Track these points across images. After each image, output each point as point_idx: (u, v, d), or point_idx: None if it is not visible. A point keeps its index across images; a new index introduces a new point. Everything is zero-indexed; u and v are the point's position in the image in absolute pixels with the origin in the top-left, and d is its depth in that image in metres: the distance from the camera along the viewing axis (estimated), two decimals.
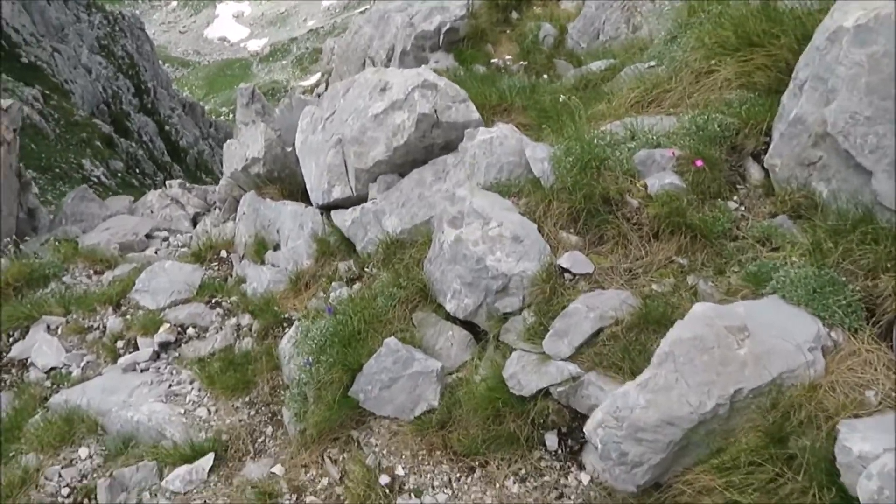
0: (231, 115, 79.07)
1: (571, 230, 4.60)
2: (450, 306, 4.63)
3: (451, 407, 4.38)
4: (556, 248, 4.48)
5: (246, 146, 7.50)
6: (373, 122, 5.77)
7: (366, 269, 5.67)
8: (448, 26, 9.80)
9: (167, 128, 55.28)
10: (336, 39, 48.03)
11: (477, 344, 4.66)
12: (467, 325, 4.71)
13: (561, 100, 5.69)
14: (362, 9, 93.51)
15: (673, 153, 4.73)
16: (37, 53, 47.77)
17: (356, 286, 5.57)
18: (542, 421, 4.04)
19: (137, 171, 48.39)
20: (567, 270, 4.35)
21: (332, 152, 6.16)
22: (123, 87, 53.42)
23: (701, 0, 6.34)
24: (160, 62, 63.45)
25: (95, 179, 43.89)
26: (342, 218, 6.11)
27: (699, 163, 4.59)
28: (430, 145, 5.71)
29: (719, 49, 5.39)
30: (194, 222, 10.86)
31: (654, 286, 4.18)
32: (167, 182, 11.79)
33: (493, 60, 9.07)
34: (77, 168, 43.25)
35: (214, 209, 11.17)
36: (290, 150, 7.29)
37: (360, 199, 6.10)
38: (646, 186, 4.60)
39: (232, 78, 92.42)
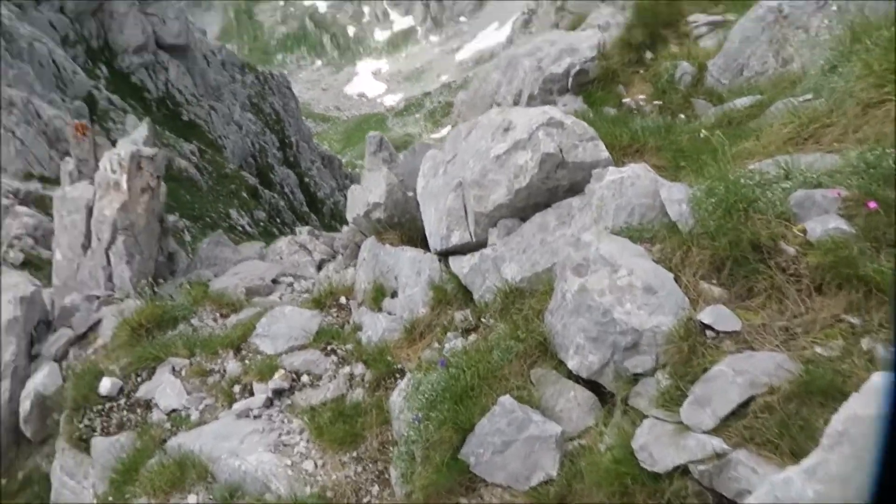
0: None
1: (714, 281, 4.04)
2: (572, 363, 4.17)
3: (572, 479, 3.88)
4: (696, 300, 3.93)
5: (368, 191, 7.48)
6: (494, 163, 5.50)
7: (482, 319, 5.33)
8: (577, 68, 9.49)
9: (307, 180, 58.30)
10: (467, 92, 48.97)
11: (602, 407, 4.15)
12: (591, 385, 4.21)
13: (701, 136, 5.15)
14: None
15: (838, 194, 4.07)
16: (196, 112, 52.28)
17: (472, 337, 5.24)
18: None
19: (278, 220, 51.21)
20: (709, 327, 3.78)
21: (451, 196, 5.94)
22: (269, 142, 57.12)
23: (867, 26, 5.64)
24: (303, 118, 67.56)
25: (240, 228, 46.86)
26: (460, 264, 5.84)
27: (872, 205, 3.90)
28: (555, 187, 5.34)
29: (892, 76, 4.70)
30: (319, 268, 11.05)
31: (817, 349, 3.53)
32: (297, 229, 12.15)
33: (624, 101, 8.62)
34: (225, 217, 46.42)
35: (339, 255, 11.33)
36: (410, 194, 7.18)
37: (479, 245, 5.81)
38: (805, 232, 3.97)
39: (368, 131, 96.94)
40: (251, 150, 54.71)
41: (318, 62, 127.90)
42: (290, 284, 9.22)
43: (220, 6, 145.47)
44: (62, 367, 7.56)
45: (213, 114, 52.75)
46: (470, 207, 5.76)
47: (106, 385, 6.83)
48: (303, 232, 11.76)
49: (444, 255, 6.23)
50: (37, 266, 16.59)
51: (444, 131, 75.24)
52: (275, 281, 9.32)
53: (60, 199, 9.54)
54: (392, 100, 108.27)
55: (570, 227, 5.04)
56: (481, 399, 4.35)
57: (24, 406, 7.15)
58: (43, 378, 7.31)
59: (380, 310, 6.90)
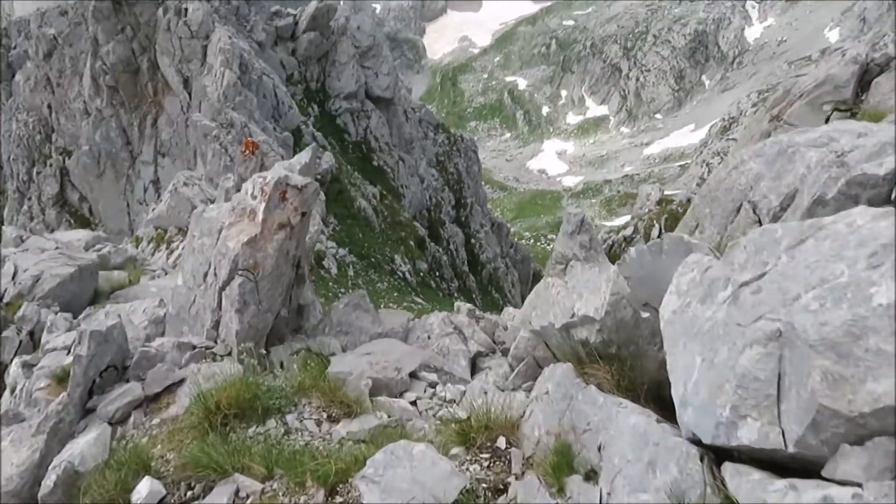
0: (532, 241, 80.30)
1: None
2: None
3: None
4: None
5: (575, 294, 4.68)
6: (883, 315, 2.55)
7: None
8: None
9: (473, 241, 57.18)
10: (653, 187, 45.47)
11: None
12: None
13: None
14: (681, 163, 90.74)
15: None
16: (385, 159, 53.05)
17: None
18: None
19: (437, 274, 50.13)
20: None
21: (753, 351, 3.00)
22: (446, 199, 56.76)
23: None
24: (483, 183, 67.11)
25: (401, 274, 46.15)
26: (758, 492, 2.84)
27: None
28: None
29: None
30: (473, 364, 8.34)
31: None
32: (456, 305, 9.58)
33: None
34: (389, 261, 45.91)
35: (499, 355, 8.55)
36: (646, 316, 4.31)
37: (804, 466, 2.80)
38: None
39: (541, 207, 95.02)
40: (427, 204, 54.55)
41: (507, 134, 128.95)
42: (433, 386, 6.57)
43: (429, 71, 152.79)
44: (115, 434, 5.39)
45: (400, 164, 53.31)
46: (801, 387, 2.79)
47: (143, 490, 4.47)
48: (462, 310, 9.18)
49: (714, 452, 3.24)
50: None
51: (619, 221, 71.27)
52: (414, 374, 6.72)
53: (196, 217, 7.65)
54: (571, 181, 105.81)
55: None
56: None
57: (48, 480, 4.98)
58: (86, 446, 5.14)
59: (561, 492, 4.01)
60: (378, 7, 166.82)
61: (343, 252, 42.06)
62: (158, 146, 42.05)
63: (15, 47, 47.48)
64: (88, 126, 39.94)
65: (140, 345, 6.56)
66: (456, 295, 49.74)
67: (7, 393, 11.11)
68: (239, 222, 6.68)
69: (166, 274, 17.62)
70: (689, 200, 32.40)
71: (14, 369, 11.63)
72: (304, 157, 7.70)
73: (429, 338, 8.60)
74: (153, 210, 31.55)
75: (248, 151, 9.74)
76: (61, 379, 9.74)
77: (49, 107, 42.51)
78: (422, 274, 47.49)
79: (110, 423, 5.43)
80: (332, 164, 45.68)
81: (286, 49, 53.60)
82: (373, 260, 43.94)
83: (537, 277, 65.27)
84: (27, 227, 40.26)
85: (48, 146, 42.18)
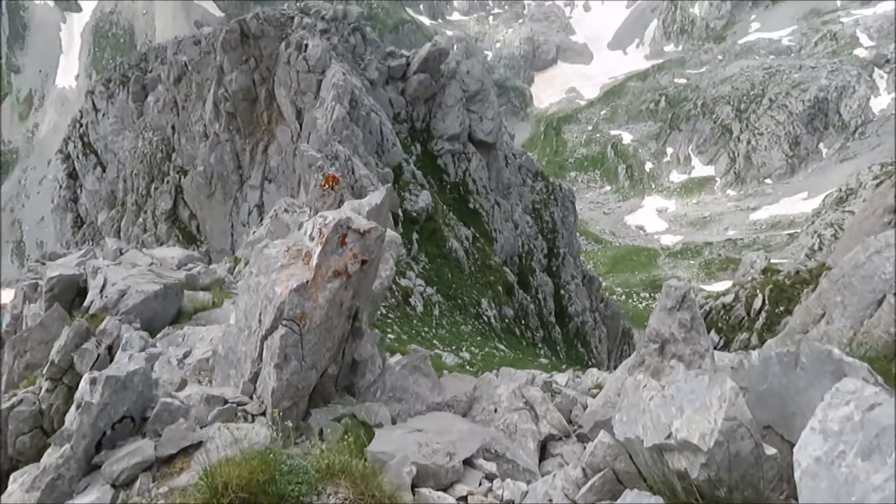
0: (624, 297, 77.13)
1: None
2: None
3: None
4: None
5: (674, 407, 3.53)
6: None
7: None
8: None
9: (562, 291, 55.43)
10: (758, 254, 42.46)
11: None
12: None
13: None
14: (790, 232, 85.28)
15: None
16: (482, 202, 52.57)
17: None
18: None
19: (523, 322, 48.70)
20: None
21: None
22: (538, 247, 55.52)
23: None
24: (577, 234, 65.37)
25: (486, 319, 45.04)
26: None
27: None
28: None
29: None
30: (543, 448, 7.15)
31: None
32: (532, 373, 8.43)
33: None
34: (476, 304, 44.98)
35: (573, 441, 7.33)
36: (771, 453, 3.10)
37: None
38: None
39: (636, 263, 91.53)
40: (519, 250, 53.49)
41: (608, 187, 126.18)
42: (490, 479, 5.47)
43: (534, 119, 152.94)
44: (118, 499, 4.63)
45: (496, 208, 52.70)
46: None
47: None
48: (538, 381, 8.03)
49: None
50: None
51: (719, 286, 67.26)
52: (469, 461, 5.66)
53: (258, 252, 6.98)
54: (670, 240, 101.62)
55: None
56: None
57: None
58: None
59: None
60: (490, 54, 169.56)
61: (431, 291, 41.50)
62: (266, 172, 43.37)
63: (151, 71, 50.86)
64: (205, 148, 41.75)
65: (172, 388, 5.86)
66: (540, 345, 48.04)
67: (73, 408, 10.85)
68: (292, 265, 5.93)
69: None
70: (797, 272, 29.84)
71: (83, 385, 11.41)
72: (375, 198, 6.91)
73: (495, 411, 7.50)
74: (253, 233, 32.19)
75: (326, 186, 9.11)
76: None
77: (173, 128, 44.88)
78: (507, 320, 46.24)
79: (114, 486, 4.69)
80: (428, 202, 45.62)
81: (396, 88, 54.64)
82: (459, 301, 43.13)
83: (626, 335, 62.19)
84: (140, 238, 42.27)
85: (167, 164, 44.42)
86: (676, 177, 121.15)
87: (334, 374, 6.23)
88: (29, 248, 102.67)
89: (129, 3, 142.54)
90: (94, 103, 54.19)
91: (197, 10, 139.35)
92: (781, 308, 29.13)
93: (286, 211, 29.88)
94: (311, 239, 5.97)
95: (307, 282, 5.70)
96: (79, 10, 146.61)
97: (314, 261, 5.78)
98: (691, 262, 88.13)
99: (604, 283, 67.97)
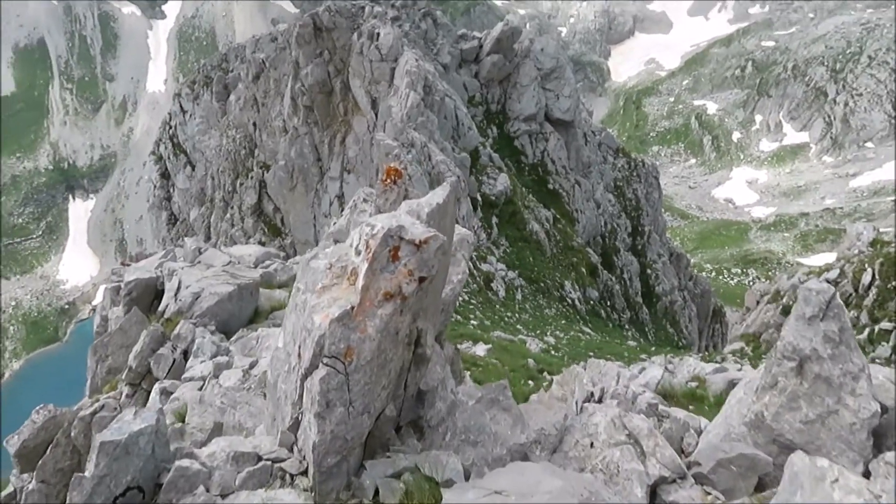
0: (714, 274, 72.86)
1: None
2: None
3: None
4: None
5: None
6: None
7: None
8: None
9: (648, 271, 52.70)
10: (865, 226, 38.62)
11: None
12: None
13: None
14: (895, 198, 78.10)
15: None
16: (561, 183, 50.38)
17: None
18: None
19: (609, 303, 46.52)
20: None
21: None
22: (622, 226, 52.93)
23: None
24: (662, 210, 61.92)
25: (570, 301, 43.19)
26: None
27: None
28: None
29: None
30: (653, 494, 5.72)
31: None
32: (631, 392, 6.95)
33: None
34: (559, 287, 43.20)
35: (690, 484, 5.85)
36: None
37: None
38: None
39: (725, 238, 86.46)
40: (602, 230, 51.09)
41: (693, 160, 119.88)
42: None
43: (612, 94, 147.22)
44: None
45: (576, 188, 50.41)
46: None
47: None
48: (641, 405, 6.56)
49: None
50: None
51: (818, 258, 62.29)
52: None
53: (304, 264, 5.83)
54: (762, 212, 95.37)
55: None
56: None
57: None
58: None
59: None
60: (564, 30, 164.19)
61: (512, 275, 40.10)
62: (345, 163, 42.99)
63: (232, 70, 51.50)
64: (285, 142, 41.75)
65: (202, 435, 4.82)
66: (627, 327, 45.81)
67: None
68: (334, 286, 4.75)
69: None
70: None
71: (153, 395, 10.85)
72: (437, 196, 5.62)
73: (591, 445, 6.10)
74: (334, 224, 31.75)
75: (388, 180, 7.86)
76: (183, 417, 8.55)
77: (254, 124, 45.19)
78: (592, 302, 44.27)
79: None
80: (507, 185, 44.05)
81: (469, 71, 53.05)
82: (542, 285, 41.54)
83: (718, 314, 58.58)
84: (228, 233, 42.91)
85: (251, 160, 44.81)
86: (767, 145, 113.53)
87: (393, 415, 5.03)
88: (130, 246, 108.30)
89: (210, 7, 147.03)
90: (181, 105, 55.60)
91: (273, 8, 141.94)
92: (894, 283, 26.03)
93: (365, 201, 29.20)
94: (357, 253, 4.75)
95: (352, 308, 4.49)
96: (163, 16, 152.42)
97: (360, 282, 4.56)
98: (786, 234, 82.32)
99: (692, 260, 64.28)
